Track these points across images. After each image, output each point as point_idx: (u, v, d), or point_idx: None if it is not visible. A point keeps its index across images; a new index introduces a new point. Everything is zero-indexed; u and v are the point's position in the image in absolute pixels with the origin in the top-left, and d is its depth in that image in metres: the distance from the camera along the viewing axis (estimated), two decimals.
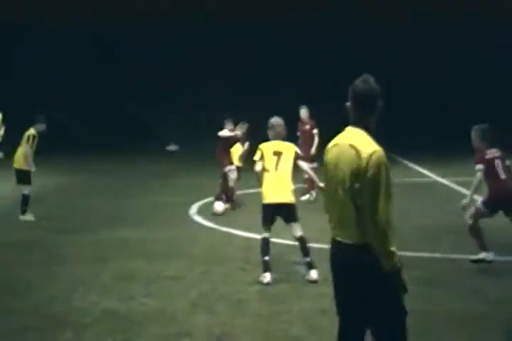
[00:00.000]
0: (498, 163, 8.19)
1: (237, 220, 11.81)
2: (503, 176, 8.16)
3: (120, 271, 8.24)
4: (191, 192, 15.53)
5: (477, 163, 8.23)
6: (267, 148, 8.01)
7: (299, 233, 7.90)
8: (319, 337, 5.91)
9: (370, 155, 3.79)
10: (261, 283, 7.60)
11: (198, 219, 12.21)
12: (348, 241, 3.88)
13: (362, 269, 3.81)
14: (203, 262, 8.73)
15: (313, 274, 7.67)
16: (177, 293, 7.35)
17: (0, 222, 11.85)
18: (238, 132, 13.20)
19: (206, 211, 12.80)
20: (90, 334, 6.01)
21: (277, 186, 7.85)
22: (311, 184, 13.92)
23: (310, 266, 7.75)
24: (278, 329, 6.13)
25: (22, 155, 11.92)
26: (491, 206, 8.17)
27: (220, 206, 12.43)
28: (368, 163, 3.78)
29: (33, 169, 12.03)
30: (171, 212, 12.92)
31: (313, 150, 14.33)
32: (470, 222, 8.21)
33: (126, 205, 13.88)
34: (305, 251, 7.88)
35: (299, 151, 8.15)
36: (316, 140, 14.42)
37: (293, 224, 7.91)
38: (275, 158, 7.91)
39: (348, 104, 4.02)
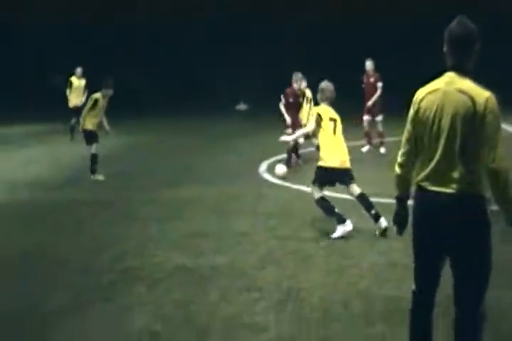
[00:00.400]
0: None
1: (305, 177, 11.75)
2: None
3: (190, 228, 8.37)
4: (261, 151, 15.56)
5: None
6: (324, 112, 8.00)
7: (358, 191, 7.96)
8: (388, 290, 5.89)
9: (487, 100, 3.66)
10: (344, 233, 7.71)
11: (267, 176, 12.25)
12: (450, 190, 3.74)
13: (467, 217, 3.72)
14: (272, 218, 8.78)
15: (383, 222, 7.67)
16: (246, 248, 7.43)
17: (75, 182, 12.16)
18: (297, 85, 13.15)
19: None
20: (162, 289, 6.15)
21: (337, 151, 7.92)
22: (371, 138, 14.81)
23: (377, 216, 7.73)
24: (346, 283, 6.14)
25: (82, 117, 12.33)
26: None
27: (280, 169, 12.11)
28: (485, 109, 3.64)
29: (106, 129, 12.50)
30: (240, 170, 12.99)
31: (369, 103, 14.45)
32: None
33: (196, 164, 14.03)
34: (368, 204, 7.88)
35: None
36: (379, 93, 14.41)
37: (351, 185, 7.98)
38: (332, 123, 7.98)
39: (444, 48, 3.86)
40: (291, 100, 13.28)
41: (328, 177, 7.94)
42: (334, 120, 8.03)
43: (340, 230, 7.72)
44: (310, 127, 8.16)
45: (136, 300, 5.91)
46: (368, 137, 15.12)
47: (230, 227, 8.37)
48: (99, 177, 12.12)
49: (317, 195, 7.95)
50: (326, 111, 8.06)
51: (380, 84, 14.52)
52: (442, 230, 3.80)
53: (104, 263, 7.07)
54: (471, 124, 3.67)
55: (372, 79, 14.69)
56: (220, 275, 6.51)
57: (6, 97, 31.57)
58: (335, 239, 7.67)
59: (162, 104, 30.52)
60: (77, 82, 18.49)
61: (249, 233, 8.06)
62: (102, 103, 12.24)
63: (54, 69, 32.15)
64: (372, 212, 7.82)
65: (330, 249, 7.30)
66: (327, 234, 7.77)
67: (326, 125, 7.98)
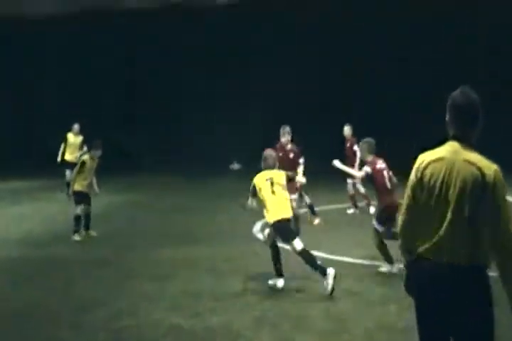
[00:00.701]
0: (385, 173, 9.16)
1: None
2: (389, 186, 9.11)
3: (186, 288, 8.36)
4: (254, 211, 15.57)
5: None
6: (259, 178, 8.67)
7: (300, 247, 8.27)
8: None
9: (495, 173, 3.69)
10: (274, 285, 8.24)
11: (261, 236, 12.25)
12: (455, 261, 3.70)
13: (472, 290, 3.68)
14: (266, 278, 8.78)
15: (331, 272, 7.84)
16: (241, 309, 7.41)
17: (67, 239, 12.13)
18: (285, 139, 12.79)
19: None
20: None
21: (280, 208, 8.49)
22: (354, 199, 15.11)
23: (323, 270, 7.90)
24: None
25: (72, 180, 12.57)
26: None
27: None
28: (494, 181, 3.67)
29: (96, 190, 12.55)
30: (234, 230, 13.01)
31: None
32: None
33: (189, 223, 14.04)
34: (312, 261, 8.13)
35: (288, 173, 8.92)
36: (358, 156, 14.61)
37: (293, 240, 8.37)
38: (268, 183, 8.58)
39: (447, 117, 3.90)
40: (280, 155, 12.71)
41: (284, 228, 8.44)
42: (271, 180, 8.56)
43: (276, 281, 8.36)
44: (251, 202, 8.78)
45: None
46: (353, 200, 15.28)
47: (225, 287, 8.36)
48: (77, 238, 11.98)
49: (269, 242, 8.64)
50: (262, 175, 8.66)
51: (356, 148, 14.63)
52: (447, 304, 3.72)
53: (99, 321, 7.04)
54: (480, 196, 3.67)
55: (348, 144, 15.09)
56: (215, 336, 6.48)
57: None
58: (270, 285, 8.27)
59: (153, 163, 30.65)
60: (73, 138, 18.63)
61: (244, 294, 8.06)
62: (91, 164, 12.33)
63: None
64: (316, 266, 8.03)
65: (325, 311, 7.29)
66: (322, 295, 7.77)
67: (264, 190, 8.51)
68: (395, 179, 9.27)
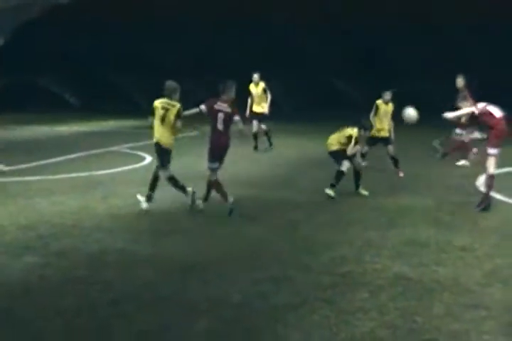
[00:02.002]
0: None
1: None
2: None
3: (410, 237, 8.23)
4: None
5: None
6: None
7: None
8: None
9: None
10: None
11: (483, 190, 11.70)
12: None
13: None
14: (495, 234, 8.40)
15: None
16: (469, 263, 7.14)
17: (289, 182, 12.43)
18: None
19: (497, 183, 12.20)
20: (385, 297, 6.07)
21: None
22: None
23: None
24: None
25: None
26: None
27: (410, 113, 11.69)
28: None
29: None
30: (458, 182, 12.56)
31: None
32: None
33: (411, 172, 13.77)
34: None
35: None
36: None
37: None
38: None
39: None
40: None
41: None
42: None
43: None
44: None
45: (358, 305, 5.88)
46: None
47: (450, 240, 8.11)
48: (330, 192, 12.00)
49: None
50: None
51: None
52: None
53: (324, 264, 7.13)
54: None
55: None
56: (443, 289, 6.30)
57: None
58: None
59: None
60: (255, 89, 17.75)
61: (472, 248, 7.75)
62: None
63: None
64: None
65: None
66: None
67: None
68: None
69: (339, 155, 11.19)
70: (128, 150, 17.58)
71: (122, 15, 31.66)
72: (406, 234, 8.42)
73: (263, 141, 17.95)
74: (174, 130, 9.98)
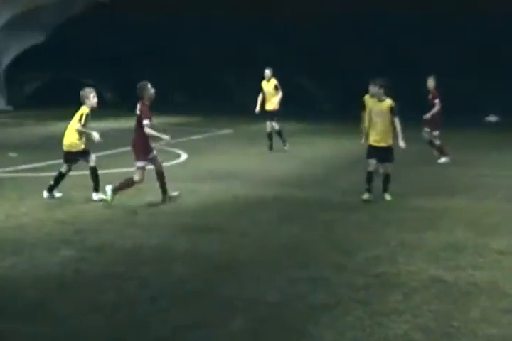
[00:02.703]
0: None
1: None
2: None
3: (446, 239, 8.14)
4: None
5: None
6: None
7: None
8: None
9: None
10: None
11: None
12: None
13: None
14: None
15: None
16: (507, 267, 7.04)
17: (326, 180, 12.39)
18: None
19: None
20: (420, 299, 6.02)
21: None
22: None
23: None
24: None
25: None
26: None
27: None
28: None
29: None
30: (494, 185, 12.39)
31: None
32: None
33: (450, 174, 13.63)
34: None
35: None
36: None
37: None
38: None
39: None
40: None
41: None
42: None
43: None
44: None
45: (392, 306, 5.84)
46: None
47: (487, 243, 8.00)
48: (366, 197, 11.95)
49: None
50: None
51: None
52: None
53: (358, 265, 7.10)
54: None
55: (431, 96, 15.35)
56: (480, 292, 6.22)
57: None
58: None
59: None
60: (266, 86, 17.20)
61: (510, 251, 7.64)
62: None
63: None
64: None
65: None
66: None
67: None
68: None
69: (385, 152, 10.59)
70: (164, 147, 17.66)
71: (160, 13, 31.93)
72: (442, 236, 8.33)
73: (296, 141, 17.88)
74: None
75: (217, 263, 7.09)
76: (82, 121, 10.17)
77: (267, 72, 16.88)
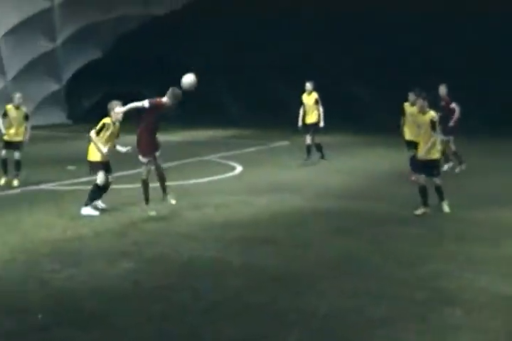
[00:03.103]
0: None
1: None
2: None
3: (509, 253, 7.91)
4: None
5: None
6: None
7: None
8: None
9: None
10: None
11: None
12: None
13: None
14: None
15: None
16: None
17: (383, 197, 12.23)
18: None
19: None
20: (483, 315, 5.84)
21: None
22: None
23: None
24: None
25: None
26: None
27: None
28: None
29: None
30: None
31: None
32: None
33: (505, 184, 13.32)
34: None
35: None
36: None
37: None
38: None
39: None
40: None
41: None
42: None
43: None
44: None
45: (453, 322, 5.68)
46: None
47: None
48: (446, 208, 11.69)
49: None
50: None
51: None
52: None
53: (418, 279, 6.95)
54: None
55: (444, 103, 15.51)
56: None
57: None
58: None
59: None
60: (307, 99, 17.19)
61: None
62: None
63: None
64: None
65: None
66: None
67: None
68: None
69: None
70: (219, 160, 17.77)
71: (215, 24, 32.22)
72: (505, 249, 8.11)
73: (350, 153, 17.66)
74: None
75: (272, 275, 7.04)
76: (97, 128, 10.50)
77: (308, 85, 16.76)
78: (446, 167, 15.12)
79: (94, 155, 10.56)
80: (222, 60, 33.81)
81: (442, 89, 15.63)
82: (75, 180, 13.68)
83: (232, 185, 13.19)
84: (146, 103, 10.05)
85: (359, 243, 8.53)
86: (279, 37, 32.30)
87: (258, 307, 6.05)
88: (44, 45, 30.42)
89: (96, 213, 10.22)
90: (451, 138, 15.37)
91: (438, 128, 10.68)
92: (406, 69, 28.58)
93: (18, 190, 12.63)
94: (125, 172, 13.70)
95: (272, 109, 32.52)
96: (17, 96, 13.58)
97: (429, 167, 10.44)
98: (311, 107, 16.74)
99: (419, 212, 10.33)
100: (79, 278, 6.93)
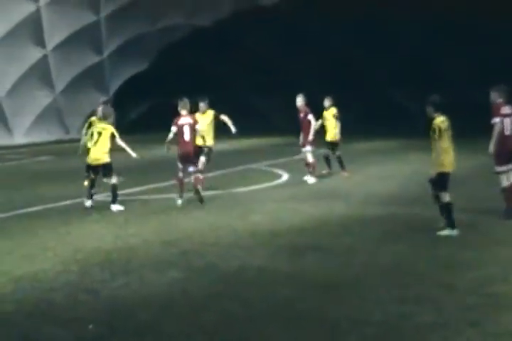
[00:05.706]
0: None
1: None
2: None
3: None
4: None
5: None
6: None
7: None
8: None
9: None
10: None
11: None
12: None
13: None
14: None
15: None
16: None
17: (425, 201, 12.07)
18: None
19: None
20: None
21: None
22: None
23: None
24: None
25: None
26: None
27: None
28: None
29: None
30: None
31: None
32: None
33: None
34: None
35: None
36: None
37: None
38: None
39: None
40: None
41: None
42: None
43: None
44: None
45: (505, 328, 5.59)
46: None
47: None
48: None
49: None
50: None
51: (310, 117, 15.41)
52: None
53: (468, 284, 6.86)
54: None
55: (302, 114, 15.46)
56: None
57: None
58: None
59: None
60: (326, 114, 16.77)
61: None
62: None
63: None
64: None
65: None
66: None
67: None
68: None
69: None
70: (266, 168, 17.82)
71: (260, 34, 32.37)
72: None
73: (392, 158, 17.50)
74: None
75: (322, 283, 7.02)
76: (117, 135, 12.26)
77: (326, 101, 16.39)
78: None
79: (108, 156, 12.05)
80: (270, 71, 33.88)
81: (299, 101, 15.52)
82: (123, 191, 13.82)
83: (278, 192, 13.21)
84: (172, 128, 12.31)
85: (406, 249, 8.46)
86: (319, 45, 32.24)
87: (308, 316, 6.04)
88: None
89: (122, 207, 11.35)
90: None
91: None
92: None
93: (72, 201, 12.76)
94: (172, 182, 13.84)
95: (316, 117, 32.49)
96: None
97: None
98: (330, 122, 16.23)
99: (453, 233, 9.22)
100: (129, 288, 7.03)
